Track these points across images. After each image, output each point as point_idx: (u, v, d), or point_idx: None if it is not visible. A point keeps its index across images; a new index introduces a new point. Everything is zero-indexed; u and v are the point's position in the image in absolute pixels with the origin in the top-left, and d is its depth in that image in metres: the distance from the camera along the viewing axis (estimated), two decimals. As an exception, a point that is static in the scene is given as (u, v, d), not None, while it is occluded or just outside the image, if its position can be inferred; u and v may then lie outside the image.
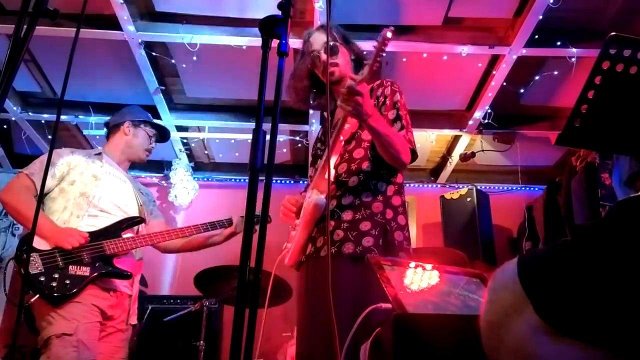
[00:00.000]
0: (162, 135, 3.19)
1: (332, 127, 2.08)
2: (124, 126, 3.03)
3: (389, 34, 1.77)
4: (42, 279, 2.45)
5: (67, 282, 2.50)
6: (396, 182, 2.14)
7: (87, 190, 2.74)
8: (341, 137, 2.08)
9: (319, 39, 2.27)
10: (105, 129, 3.15)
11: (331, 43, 2.21)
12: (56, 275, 2.48)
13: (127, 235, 2.75)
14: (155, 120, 3.27)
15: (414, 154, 2.08)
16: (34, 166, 2.69)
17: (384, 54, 1.85)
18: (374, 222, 2.00)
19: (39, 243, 2.52)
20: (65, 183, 2.73)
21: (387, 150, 1.98)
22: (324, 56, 2.22)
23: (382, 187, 2.08)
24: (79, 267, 2.55)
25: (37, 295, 2.43)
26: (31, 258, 2.47)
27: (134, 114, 3.11)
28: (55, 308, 2.44)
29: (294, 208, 2.25)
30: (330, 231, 2.02)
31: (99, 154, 2.96)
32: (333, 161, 2.10)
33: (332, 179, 2.08)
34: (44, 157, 2.75)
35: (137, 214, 2.91)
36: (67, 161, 2.78)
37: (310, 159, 2.56)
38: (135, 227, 2.89)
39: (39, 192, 2.59)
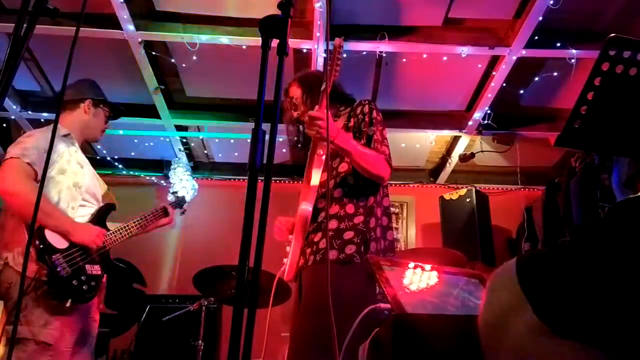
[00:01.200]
0: (115, 114, 2.95)
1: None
2: (84, 104, 2.75)
3: (342, 43, 2.01)
4: (75, 282, 2.33)
5: (93, 283, 2.40)
6: (378, 194, 2.26)
7: (78, 180, 2.58)
8: (320, 152, 2.22)
9: (294, 92, 2.49)
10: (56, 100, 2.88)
11: (297, 99, 2.45)
12: (83, 278, 2.37)
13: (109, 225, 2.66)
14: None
15: (390, 166, 2.20)
16: (30, 153, 2.38)
17: (339, 62, 2.03)
18: (357, 230, 2.12)
19: (54, 239, 2.34)
20: (55, 171, 2.50)
21: (361, 167, 2.13)
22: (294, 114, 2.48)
23: (363, 201, 2.20)
24: (92, 265, 2.44)
25: (70, 300, 2.30)
26: (56, 259, 2.32)
27: (94, 92, 2.84)
28: (51, 311, 2.29)
29: (284, 227, 2.41)
30: (317, 241, 2.16)
31: (68, 135, 2.66)
32: (317, 174, 2.23)
33: (318, 193, 2.22)
34: (36, 143, 2.45)
35: (104, 201, 2.74)
36: (46, 148, 2.43)
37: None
38: None
39: (39, 182, 2.30)
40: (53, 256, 2.32)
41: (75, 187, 2.57)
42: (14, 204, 2.34)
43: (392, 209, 2.60)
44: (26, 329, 2.25)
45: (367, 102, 2.36)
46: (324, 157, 2.23)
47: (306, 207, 2.19)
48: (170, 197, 3.39)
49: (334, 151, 2.28)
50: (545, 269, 0.68)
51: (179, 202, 3.36)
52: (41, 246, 2.32)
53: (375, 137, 2.24)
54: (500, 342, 0.69)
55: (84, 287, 2.37)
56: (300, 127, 2.51)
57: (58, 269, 2.30)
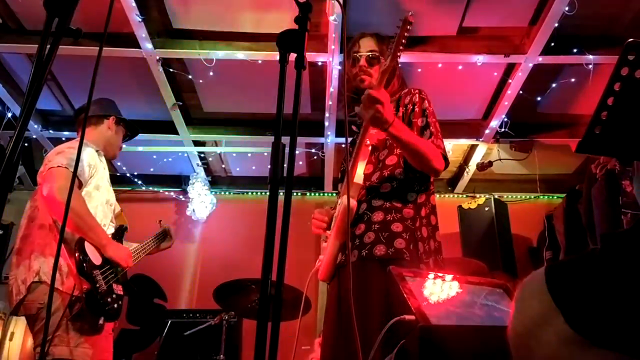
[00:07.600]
0: (132, 133, 2.99)
1: (357, 135, 2.05)
2: (109, 120, 2.78)
3: (411, 17, 1.81)
4: (109, 300, 2.32)
5: (120, 302, 2.40)
6: (426, 192, 2.10)
7: (110, 197, 2.59)
8: (367, 142, 2.04)
9: (367, 44, 2.25)
10: (76, 116, 2.86)
11: (372, 54, 2.21)
12: (114, 296, 2.36)
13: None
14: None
15: (445, 160, 2.05)
16: (78, 165, 2.33)
17: (405, 41, 1.86)
18: (405, 226, 1.95)
19: (91, 254, 2.31)
20: (91, 187, 2.49)
21: (415, 158, 1.96)
22: (362, 62, 2.20)
23: (413, 197, 2.04)
24: (117, 285, 2.44)
25: (103, 318, 2.30)
26: (95, 274, 2.30)
27: (116, 110, 2.86)
28: (84, 330, 2.28)
29: (326, 218, 2.19)
30: (359, 234, 1.98)
31: (97, 150, 2.65)
32: (362, 167, 2.05)
33: (363, 184, 2.03)
34: (75, 154, 2.29)
35: (117, 222, 2.72)
36: (89, 162, 2.52)
37: (338, 175, 2.47)
38: None
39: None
40: (94, 272, 2.31)
41: (107, 204, 2.57)
42: (72, 219, 2.29)
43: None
44: (63, 348, 2.21)
45: (417, 91, 2.18)
46: (370, 147, 2.07)
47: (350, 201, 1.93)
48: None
49: (380, 142, 2.12)
50: (576, 278, 0.67)
51: (166, 232, 3.19)
52: (82, 260, 2.28)
53: (432, 129, 2.06)
54: (531, 352, 0.69)
55: (115, 305, 2.37)
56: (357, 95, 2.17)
57: (97, 285, 2.29)
